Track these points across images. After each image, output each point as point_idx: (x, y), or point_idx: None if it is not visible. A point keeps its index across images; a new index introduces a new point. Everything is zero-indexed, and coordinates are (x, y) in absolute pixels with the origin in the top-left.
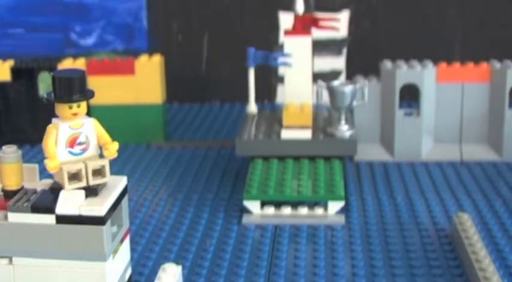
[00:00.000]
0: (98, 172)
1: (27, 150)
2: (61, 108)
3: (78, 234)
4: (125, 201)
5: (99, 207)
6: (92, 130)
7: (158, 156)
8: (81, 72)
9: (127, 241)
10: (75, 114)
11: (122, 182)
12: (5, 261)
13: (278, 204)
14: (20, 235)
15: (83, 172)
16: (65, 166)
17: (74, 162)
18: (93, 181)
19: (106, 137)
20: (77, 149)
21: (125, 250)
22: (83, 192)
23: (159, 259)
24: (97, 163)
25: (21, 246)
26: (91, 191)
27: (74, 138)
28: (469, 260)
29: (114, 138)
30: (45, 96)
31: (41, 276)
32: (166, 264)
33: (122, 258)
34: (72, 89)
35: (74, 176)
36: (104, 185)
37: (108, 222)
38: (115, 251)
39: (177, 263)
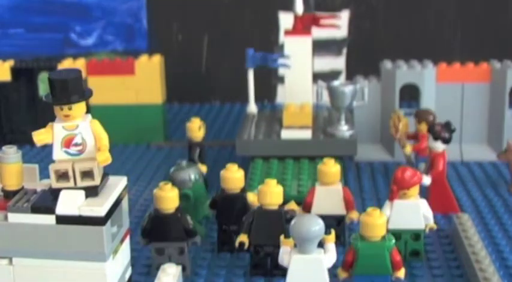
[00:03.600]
0: (87, 174)
1: (27, 151)
2: (55, 109)
3: (78, 234)
4: (124, 202)
5: (99, 207)
6: (89, 132)
7: (158, 156)
8: (75, 74)
9: (127, 241)
10: (66, 116)
11: (121, 182)
12: (5, 261)
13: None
14: (20, 235)
15: (70, 173)
16: (52, 165)
17: (63, 162)
18: (82, 183)
19: (101, 141)
20: (73, 149)
21: (125, 250)
22: (83, 192)
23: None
24: (85, 165)
25: (21, 247)
26: (91, 191)
27: (69, 139)
28: (469, 261)
29: (114, 138)
30: (43, 96)
31: (41, 276)
32: (166, 264)
33: (122, 258)
34: (63, 90)
35: (63, 176)
36: (103, 185)
37: (108, 223)
38: (115, 251)
39: (177, 263)
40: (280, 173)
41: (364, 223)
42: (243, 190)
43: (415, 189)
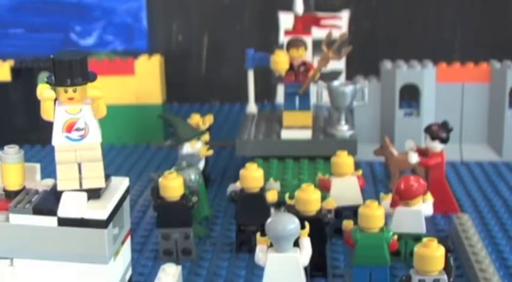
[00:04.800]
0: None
1: (26, 150)
2: (58, 92)
3: (80, 236)
4: (126, 203)
5: (101, 210)
6: (91, 116)
7: (158, 156)
8: (81, 54)
9: (128, 242)
10: (70, 99)
11: (123, 183)
12: (6, 262)
13: (278, 204)
14: (21, 236)
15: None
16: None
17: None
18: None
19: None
20: (74, 134)
21: (126, 251)
22: (85, 194)
23: (159, 259)
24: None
25: (22, 248)
26: (93, 194)
27: (71, 124)
28: (469, 261)
29: (114, 138)
30: (46, 78)
31: (42, 277)
32: (166, 264)
33: (123, 259)
34: (69, 72)
35: None
36: (106, 188)
37: (110, 225)
38: (116, 253)
39: (177, 263)
40: (280, 173)
41: (362, 215)
42: (262, 189)
43: (418, 199)
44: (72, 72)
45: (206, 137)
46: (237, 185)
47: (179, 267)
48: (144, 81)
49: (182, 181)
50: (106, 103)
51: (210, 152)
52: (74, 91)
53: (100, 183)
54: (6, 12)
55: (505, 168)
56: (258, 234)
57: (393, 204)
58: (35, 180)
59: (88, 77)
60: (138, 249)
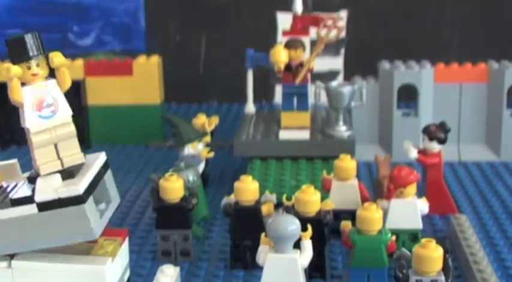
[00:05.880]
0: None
1: (26, 151)
2: (22, 72)
3: (63, 217)
4: (108, 177)
5: (75, 186)
6: (57, 90)
7: (156, 156)
8: (33, 31)
9: (126, 243)
10: (34, 75)
11: (99, 158)
12: (4, 264)
13: (276, 205)
14: (7, 231)
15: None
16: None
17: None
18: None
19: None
20: (46, 111)
21: (123, 252)
22: (58, 175)
23: (157, 260)
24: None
25: (12, 242)
26: (68, 174)
27: (41, 100)
28: (467, 262)
29: (112, 138)
30: (8, 58)
31: (40, 279)
32: (164, 265)
33: (121, 260)
34: (27, 47)
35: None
36: (81, 165)
37: (90, 200)
38: (114, 254)
39: (175, 265)
40: (278, 173)
41: (361, 217)
42: (258, 202)
43: (412, 188)
44: (32, 46)
45: (207, 138)
46: (232, 198)
47: (177, 269)
48: (142, 81)
49: (183, 183)
50: (105, 103)
51: (211, 154)
52: (37, 65)
53: (80, 158)
54: (3, 12)
55: (503, 168)
56: (263, 235)
57: (388, 195)
58: (17, 176)
59: (46, 50)
60: (136, 250)
